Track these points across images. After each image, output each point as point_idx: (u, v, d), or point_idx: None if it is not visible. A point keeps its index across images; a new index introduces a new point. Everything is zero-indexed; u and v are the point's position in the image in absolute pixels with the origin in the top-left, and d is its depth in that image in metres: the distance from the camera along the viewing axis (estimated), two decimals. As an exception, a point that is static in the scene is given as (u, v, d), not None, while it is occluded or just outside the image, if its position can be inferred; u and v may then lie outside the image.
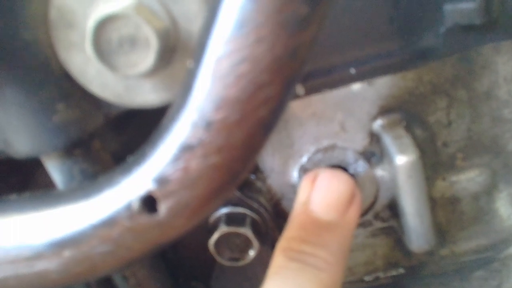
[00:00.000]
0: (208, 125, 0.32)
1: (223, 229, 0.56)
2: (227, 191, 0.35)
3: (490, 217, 0.63)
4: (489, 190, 0.62)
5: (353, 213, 0.49)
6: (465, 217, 0.63)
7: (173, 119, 0.33)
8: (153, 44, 0.36)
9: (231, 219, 0.57)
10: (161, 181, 0.34)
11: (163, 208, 0.35)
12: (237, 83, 0.30)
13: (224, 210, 0.58)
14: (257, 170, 0.60)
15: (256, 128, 0.32)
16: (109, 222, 0.36)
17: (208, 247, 0.57)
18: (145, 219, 0.35)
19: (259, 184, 0.61)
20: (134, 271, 0.55)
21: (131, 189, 0.35)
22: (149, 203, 0.35)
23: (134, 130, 0.55)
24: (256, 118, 0.32)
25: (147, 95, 0.41)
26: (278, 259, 0.46)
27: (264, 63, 0.30)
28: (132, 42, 0.37)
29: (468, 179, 0.60)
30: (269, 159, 0.59)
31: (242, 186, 0.59)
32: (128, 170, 0.36)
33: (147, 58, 0.37)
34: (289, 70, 0.31)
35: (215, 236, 0.56)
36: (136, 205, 0.35)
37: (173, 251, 0.63)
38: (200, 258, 0.63)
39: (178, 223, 0.35)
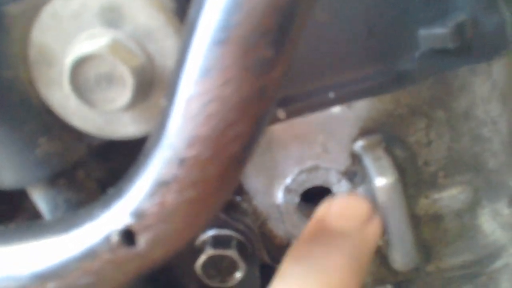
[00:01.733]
0: (182, 161, 0.33)
1: (209, 251, 0.57)
2: (203, 223, 0.36)
3: (474, 233, 0.64)
4: (472, 207, 0.62)
5: (372, 230, 0.46)
6: (449, 234, 0.64)
7: (148, 155, 0.34)
8: (129, 82, 0.37)
9: (217, 242, 0.58)
10: (139, 215, 0.35)
11: (141, 240, 0.36)
12: (207, 122, 0.31)
13: (210, 233, 0.59)
14: (242, 191, 0.61)
15: (228, 163, 0.33)
16: (90, 255, 0.37)
17: (196, 269, 0.58)
18: (125, 251, 0.36)
19: (244, 205, 0.61)
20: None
21: (110, 223, 0.36)
22: (127, 236, 0.36)
23: (119, 157, 0.56)
24: (227, 154, 0.33)
25: (126, 128, 0.43)
26: (284, 264, 0.44)
27: (232, 103, 0.31)
28: (109, 79, 0.38)
29: (450, 197, 0.61)
30: (254, 181, 0.60)
31: (227, 208, 0.60)
32: (107, 204, 0.37)
33: (124, 95, 0.38)
34: (257, 108, 0.32)
35: (202, 258, 0.57)
36: (115, 238, 0.36)
37: (164, 273, 0.64)
38: (192, 279, 0.64)
39: (156, 254, 0.36)
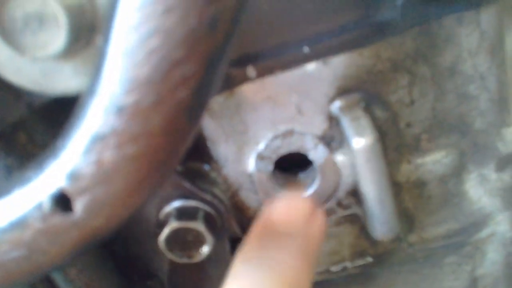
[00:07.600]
0: (120, 110, 0.28)
1: (173, 224, 0.52)
2: (151, 185, 0.31)
3: (460, 200, 0.60)
4: (457, 172, 0.58)
5: (316, 227, 0.47)
6: (433, 201, 0.60)
7: (84, 105, 0.29)
8: (63, 22, 0.32)
9: (182, 214, 0.53)
10: (74, 176, 0.30)
11: (78, 206, 0.31)
12: (148, 60, 0.26)
13: (175, 204, 0.54)
14: (211, 159, 0.56)
15: (176, 111, 0.28)
16: (20, 225, 0.32)
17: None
18: (59, 219, 0.31)
19: (213, 174, 0.57)
20: (77, 273, 0.51)
21: (42, 187, 0.31)
22: (62, 201, 0.31)
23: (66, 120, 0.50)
24: (174, 100, 0.28)
25: (68, 81, 0.37)
26: (235, 267, 0.44)
27: (176, 36, 0.26)
28: (40, 20, 0.32)
29: (434, 161, 0.57)
30: (223, 147, 0.55)
31: (194, 178, 0.55)
32: (40, 166, 0.32)
33: (58, 38, 0.32)
34: (208, 44, 0.26)
35: (165, 232, 0.52)
36: (48, 204, 0.31)
37: (123, 248, 0.59)
38: (154, 254, 0.60)
39: (97, 222, 0.31)
